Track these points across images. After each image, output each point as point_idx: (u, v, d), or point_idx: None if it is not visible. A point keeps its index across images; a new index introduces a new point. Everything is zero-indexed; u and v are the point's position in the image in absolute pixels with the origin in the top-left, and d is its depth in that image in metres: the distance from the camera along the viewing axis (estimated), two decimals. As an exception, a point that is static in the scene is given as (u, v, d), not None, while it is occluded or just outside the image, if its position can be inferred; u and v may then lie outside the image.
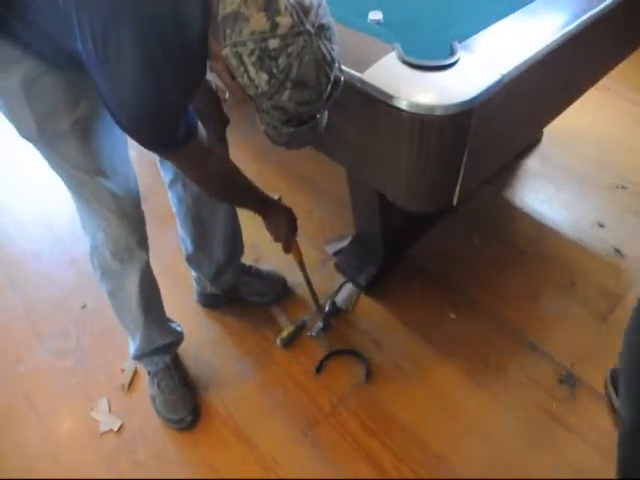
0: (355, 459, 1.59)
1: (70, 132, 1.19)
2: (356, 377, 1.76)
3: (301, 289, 1.98)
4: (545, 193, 2.31)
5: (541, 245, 2.11)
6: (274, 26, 0.84)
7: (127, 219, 1.39)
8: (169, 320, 1.74)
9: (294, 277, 1.98)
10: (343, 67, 1.13)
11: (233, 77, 0.92)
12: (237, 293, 1.96)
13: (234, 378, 1.80)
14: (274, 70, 0.86)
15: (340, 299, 1.96)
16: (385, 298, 1.97)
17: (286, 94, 0.89)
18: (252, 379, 1.79)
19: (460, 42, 1.17)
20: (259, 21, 0.84)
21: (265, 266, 2.06)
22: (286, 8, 0.84)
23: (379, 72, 1.12)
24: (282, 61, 0.85)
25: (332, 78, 0.93)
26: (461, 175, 1.18)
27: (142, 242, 1.48)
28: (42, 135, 1.19)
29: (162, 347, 1.69)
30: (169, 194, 1.68)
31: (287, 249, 1.66)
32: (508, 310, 1.90)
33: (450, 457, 1.58)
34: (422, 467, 1.56)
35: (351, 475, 1.56)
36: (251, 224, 2.19)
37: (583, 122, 2.50)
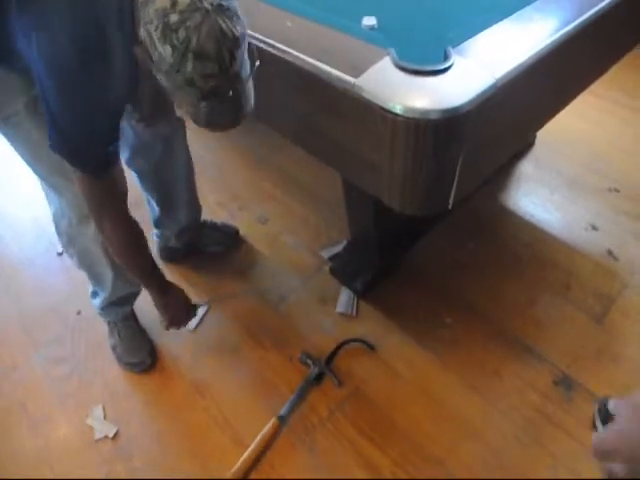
0: (352, 465, 1.58)
1: (25, 110, 1.28)
2: (353, 380, 1.76)
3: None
4: (539, 196, 2.32)
5: (536, 248, 2.12)
6: (174, 3, 0.95)
7: None
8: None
9: (289, 282, 1.98)
10: (337, 72, 1.16)
11: (150, 58, 1.01)
12: (196, 245, 2.14)
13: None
14: (175, 42, 0.95)
15: (341, 305, 1.96)
16: (381, 302, 1.97)
17: (189, 65, 0.97)
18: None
19: (454, 47, 1.18)
20: (162, 1, 0.95)
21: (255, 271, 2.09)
22: None
23: (374, 77, 1.12)
24: (181, 33, 0.95)
25: (237, 56, 1.00)
26: (456, 178, 1.18)
27: None
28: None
29: (125, 297, 1.83)
30: (131, 173, 1.79)
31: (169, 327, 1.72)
32: (504, 314, 1.90)
33: (447, 461, 1.58)
34: (419, 472, 1.56)
35: (349, 481, 1.56)
36: (246, 230, 2.23)
37: (576, 126, 2.52)
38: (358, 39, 1.25)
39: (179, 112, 1.09)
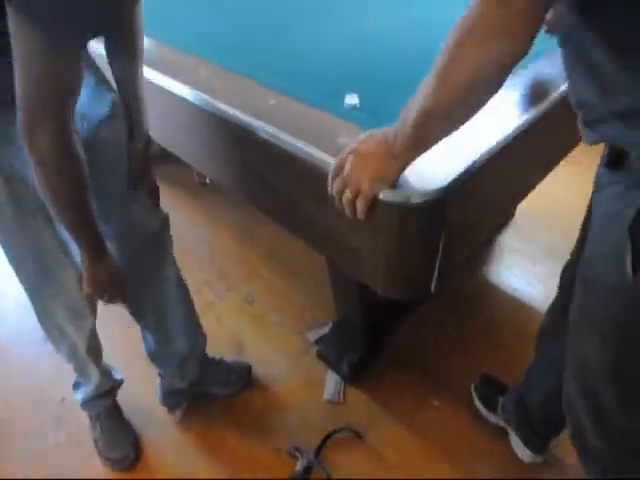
0: None
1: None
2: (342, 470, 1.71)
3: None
4: (521, 269, 2.34)
5: (519, 323, 2.11)
6: None
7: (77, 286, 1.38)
8: (111, 366, 1.83)
9: (276, 367, 1.95)
10: (319, 153, 1.16)
11: None
12: (202, 386, 1.91)
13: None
14: None
15: (328, 392, 1.91)
16: (368, 385, 1.94)
17: None
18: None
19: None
20: None
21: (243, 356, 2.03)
22: None
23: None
24: None
25: None
26: (438, 261, 1.18)
27: (89, 308, 1.53)
28: None
29: (108, 390, 1.79)
30: None
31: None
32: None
33: None
34: None
35: None
36: (232, 313, 2.20)
37: (555, 195, 2.55)
38: (339, 119, 1.27)
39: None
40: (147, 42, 1.49)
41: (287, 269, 2.38)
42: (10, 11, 0.89)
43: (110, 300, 1.34)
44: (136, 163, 1.39)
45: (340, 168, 1.05)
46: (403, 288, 1.23)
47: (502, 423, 1.72)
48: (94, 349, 1.66)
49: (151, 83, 1.52)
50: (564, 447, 1.66)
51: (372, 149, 1.03)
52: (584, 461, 1.22)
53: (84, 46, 1.04)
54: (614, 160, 0.91)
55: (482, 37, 0.81)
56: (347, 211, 1.06)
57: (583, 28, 0.85)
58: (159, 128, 1.53)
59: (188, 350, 1.79)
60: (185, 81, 1.48)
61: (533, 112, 1.29)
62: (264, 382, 1.97)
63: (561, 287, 1.38)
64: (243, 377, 1.96)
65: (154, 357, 1.82)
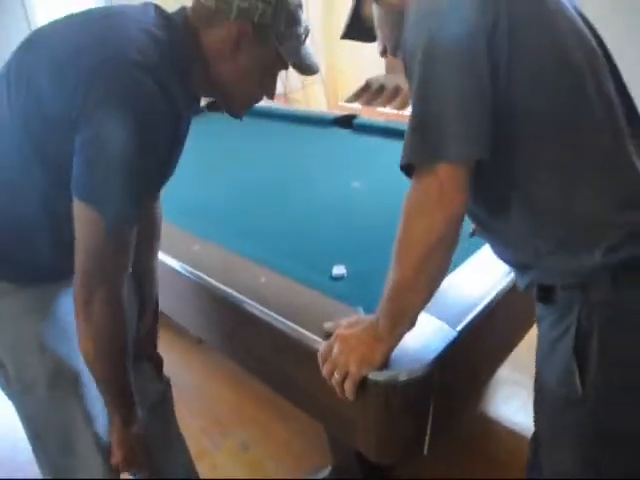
0: None
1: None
2: None
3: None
4: (518, 399, 2.33)
5: (520, 455, 2.07)
6: None
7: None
8: None
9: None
10: (307, 333, 1.23)
11: (252, 24, 1.10)
12: None
13: None
14: None
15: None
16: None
17: None
18: None
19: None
20: None
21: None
22: None
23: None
24: None
25: None
26: (429, 427, 1.21)
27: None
28: None
29: None
30: None
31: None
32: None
33: None
34: None
35: None
36: (228, 460, 2.18)
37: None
38: (326, 296, 1.35)
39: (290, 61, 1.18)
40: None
41: (284, 414, 2.36)
42: (75, 198, 1.03)
43: (137, 468, 1.35)
44: (143, 337, 1.46)
45: (328, 352, 1.11)
46: (395, 455, 1.26)
47: None
48: None
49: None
50: None
51: (357, 333, 1.10)
52: None
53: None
54: (544, 295, 1.06)
55: (425, 210, 0.95)
56: (337, 391, 1.11)
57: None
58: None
59: None
60: (180, 257, 1.59)
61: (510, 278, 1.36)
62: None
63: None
64: None
65: None
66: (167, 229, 1.75)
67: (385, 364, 1.10)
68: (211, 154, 2.64)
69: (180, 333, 2.72)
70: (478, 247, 1.47)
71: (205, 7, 1.11)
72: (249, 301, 1.36)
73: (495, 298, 1.32)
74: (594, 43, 1.01)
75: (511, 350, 1.62)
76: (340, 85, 5.33)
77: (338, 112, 3.61)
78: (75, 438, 1.29)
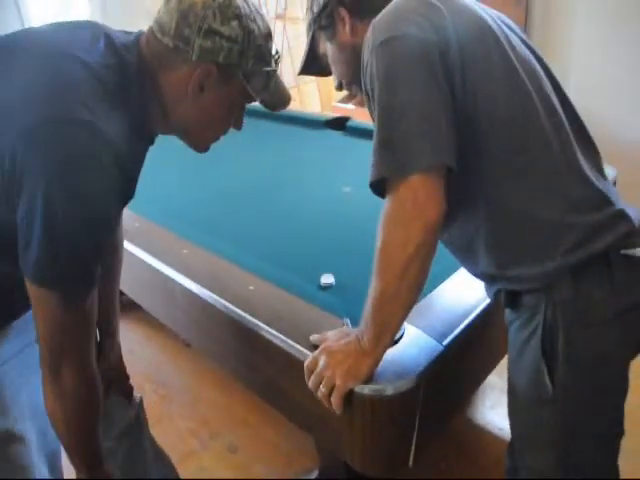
0: None
1: None
2: None
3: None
4: (504, 407, 2.34)
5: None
6: None
7: None
8: None
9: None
10: (293, 343, 1.23)
11: (217, 65, 1.02)
12: None
13: None
14: (237, 11, 1.00)
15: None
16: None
17: (255, 27, 1.02)
18: None
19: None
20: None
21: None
22: None
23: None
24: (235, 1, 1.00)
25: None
26: (414, 440, 1.22)
27: None
28: None
29: None
30: None
31: None
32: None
33: None
34: None
35: None
36: (215, 462, 2.18)
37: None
38: (314, 306, 1.35)
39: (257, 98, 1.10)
40: (134, 218, 1.59)
41: (273, 417, 2.34)
42: (27, 281, 0.97)
43: None
44: (112, 366, 1.44)
45: (314, 364, 1.12)
46: (380, 467, 1.26)
47: None
48: None
49: (137, 258, 1.61)
50: None
51: (343, 347, 1.11)
52: None
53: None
54: (511, 300, 1.13)
55: (401, 220, 0.98)
56: (323, 403, 1.12)
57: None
58: (146, 298, 1.60)
59: None
60: (169, 262, 1.58)
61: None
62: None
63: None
64: None
65: None
66: (156, 231, 1.76)
67: (370, 377, 1.10)
68: (198, 154, 2.62)
69: (170, 335, 2.72)
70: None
71: (162, 44, 1.02)
72: (237, 310, 1.37)
73: (481, 312, 1.33)
74: (532, 58, 1.12)
75: (498, 361, 1.63)
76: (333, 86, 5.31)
77: (331, 113, 3.61)
78: None
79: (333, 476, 1.93)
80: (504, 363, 2.49)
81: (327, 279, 1.46)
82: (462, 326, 1.27)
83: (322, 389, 1.10)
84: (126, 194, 1.09)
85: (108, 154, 0.93)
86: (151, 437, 1.63)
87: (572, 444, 1.11)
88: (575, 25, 3.32)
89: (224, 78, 1.05)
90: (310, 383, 1.12)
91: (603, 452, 1.14)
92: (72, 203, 0.90)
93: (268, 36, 1.08)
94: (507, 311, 1.18)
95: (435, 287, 1.40)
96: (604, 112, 3.18)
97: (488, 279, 1.19)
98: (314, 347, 1.18)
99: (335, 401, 1.09)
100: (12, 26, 4.66)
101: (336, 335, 1.16)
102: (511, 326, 1.17)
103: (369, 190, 1.05)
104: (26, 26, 3.78)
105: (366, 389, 1.10)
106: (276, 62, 1.12)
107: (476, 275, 1.23)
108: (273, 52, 1.11)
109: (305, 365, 1.14)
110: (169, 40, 1.00)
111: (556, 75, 1.16)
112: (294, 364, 1.21)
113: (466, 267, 1.24)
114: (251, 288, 1.44)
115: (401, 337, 1.21)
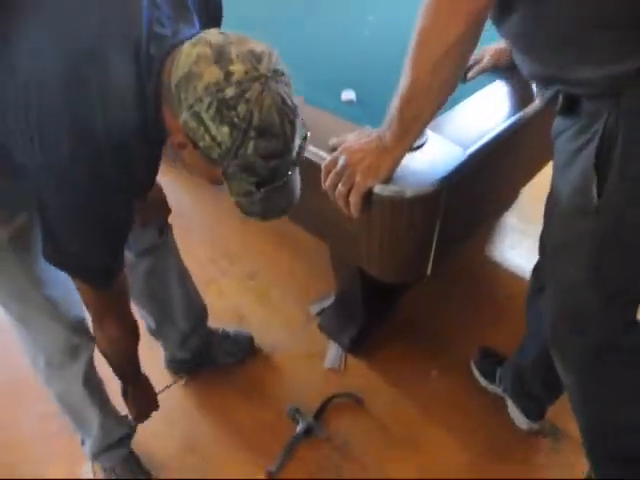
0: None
1: (8, 244, 1.15)
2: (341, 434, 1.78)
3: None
4: (524, 248, 2.35)
5: (520, 300, 2.12)
6: (228, 75, 0.82)
7: (67, 324, 1.35)
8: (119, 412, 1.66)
9: (277, 338, 2.03)
10: (314, 149, 1.19)
11: (195, 146, 0.88)
12: (207, 356, 1.94)
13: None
14: (235, 120, 0.82)
15: (329, 360, 1.98)
16: (369, 356, 1.99)
17: (251, 146, 0.84)
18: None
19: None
20: (212, 73, 0.82)
21: (244, 327, 2.08)
22: (238, 57, 0.83)
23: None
24: (241, 109, 0.82)
25: (297, 126, 0.88)
26: (433, 248, 1.22)
27: (82, 343, 1.40)
28: None
29: (119, 440, 1.64)
30: None
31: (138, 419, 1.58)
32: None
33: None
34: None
35: None
36: (235, 287, 2.26)
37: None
38: (335, 115, 1.30)
39: (231, 198, 0.95)
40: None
41: (290, 244, 2.40)
42: None
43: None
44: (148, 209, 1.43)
45: (333, 164, 1.09)
46: (398, 274, 1.28)
47: (500, 392, 1.79)
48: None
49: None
50: (560, 415, 1.72)
51: (364, 145, 1.07)
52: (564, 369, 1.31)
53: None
54: (568, 106, 1.03)
55: (445, 6, 0.90)
56: (340, 204, 1.10)
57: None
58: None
59: (190, 329, 1.83)
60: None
61: (531, 106, 1.31)
62: (266, 352, 2.03)
63: (540, 243, 1.45)
64: (245, 347, 2.00)
65: (155, 334, 1.81)
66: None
67: (390, 177, 1.08)
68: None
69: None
70: (496, 79, 1.41)
71: (169, 87, 0.88)
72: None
73: (508, 126, 1.27)
74: None
75: (520, 185, 1.59)
76: None
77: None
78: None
79: (349, 301, 1.98)
80: (524, 203, 2.51)
81: (348, 95, 1.40)
82: (487, 137, 1.22)
83: (340, 188, 1.08)
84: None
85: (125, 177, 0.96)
86: (179, 260, 1.70)
87: (605, 258, 1.09)
88: None
89: (203, 157, 0.90)
90: (327, 182, 1.10)
91: (632, 265, 1.11)
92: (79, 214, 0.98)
93: (275, 157, 0.88)
94: (558, 120, 1.09)
95: (464, 98, 1.33)
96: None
97: (545, 81, 1.08)
98: (332, 151, 1.15)
99: (354, 200, 1.08)
100: None
101: (356, 135, 1.12)
102: (561, 135, 1.08)
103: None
104: None
105: (386, 190, 1.08)
106: (277, 183, 0.93)
107: (531, 76, 1.12)
108: (272, 175, 0.91)
109: (323, 165, 1.11)
110: (175, 81, 0.87)
111: None
112: (312, 168, 1.17)
113: (521, 66, 1.12)
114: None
115: (424, 143, 1.17)
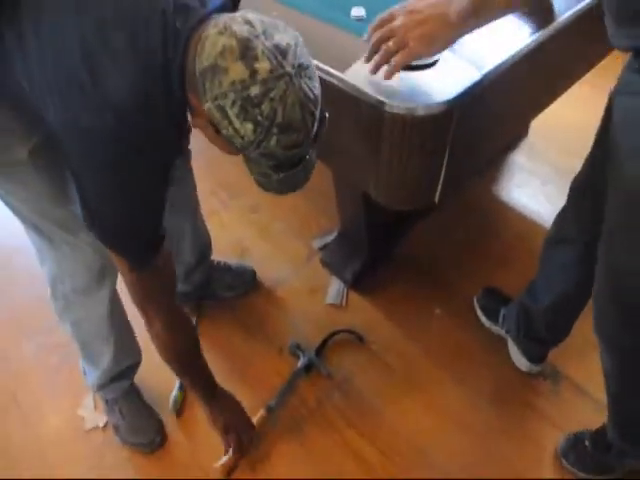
0: (340, 456, 1.60)
1: (29, 159, 1.15)
2: (342, 371, 1.77)
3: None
4: (531, 187, 2.32)
5: (526, 239, 2.11)
6: (253, 73, 0.82)
7: (93, 243, 1.30)
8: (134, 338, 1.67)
9: (279, 272, 2.00)
10: (322, 65, 1.14)
11: (217, 130, 0.90)
12: (207, 289, 1.94)
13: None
14: (259, 118, 0.84)
15: (331, 296, 1.96)
16: (371, 293, 1.98)
17: (273, 140, 0.86)
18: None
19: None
20: (237, 70, 0.82)
21: (246, 261, 2.06)
22: (263, 53, 0.83)
23: (360, 71, 1.11)
24: (266, 107, 0.83)
25: (317, 116, 0.90)
26: (443, 174, 1.18)
27: (109, 267, 1.38)
28: None
29: (126, 370, 1.65)
30: None
31: (232, 448, 1.54)
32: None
33: (434, 451, 1.59)
34: (406, 462, 1.58)
35: (338, 474, 1.57)
36: (237, 220, 2.22)
37: (568, 116, 2.48)
38: (345, 31, 1.24)
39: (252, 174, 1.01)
40: None
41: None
42: None
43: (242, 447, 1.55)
44: None
45: (389, 20, 1.03)
46: (406, 199, 1.24)
47: (502, 333, 1.77)
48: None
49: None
50: (560, 358, 1.74)
51: (428, 10, 1.01)
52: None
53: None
54: None
55: None
56: (378, 60, 1.04)
57: None
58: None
59: (195, 262, 1.82)
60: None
61: (547, 29, 1.25)
62: (267, 286, 2.02)
63: (571, 194, 1.39)
64: (247, 281, 1.99)
65: None
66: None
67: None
68: None
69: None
70: None
71: (194, 71, 0.88)
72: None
73: (525, 51, 1.20)
74: None
75: (539, 111, 1.53)
76: None
77: None
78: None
79: (353, 235, 1.95)
80: (533, 142, 2.46)
81: (358, 12, 1.33)
82: (503, 59, 1.16)
83: (391, 44, 1.02)
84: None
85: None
86: (195, 193, 1.76)
87: None
88: None
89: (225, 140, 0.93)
90: (376, 34, 1.04)
91: None
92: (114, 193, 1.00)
93: (296, 147, 0.90)
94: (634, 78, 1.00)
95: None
96: None
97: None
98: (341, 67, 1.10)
99: (398, 61, 1.02)
100: None
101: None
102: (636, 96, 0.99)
103: None
104: None
105: (397, 107, 1.04)
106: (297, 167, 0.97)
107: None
108: (291, 161, 0.95)
109: (378, 17, 1.05)
110: (202, 67, 0.86)
111: None
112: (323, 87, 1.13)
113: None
114: (274, 14, 1.31)
115: (436, 62, 1.11)
